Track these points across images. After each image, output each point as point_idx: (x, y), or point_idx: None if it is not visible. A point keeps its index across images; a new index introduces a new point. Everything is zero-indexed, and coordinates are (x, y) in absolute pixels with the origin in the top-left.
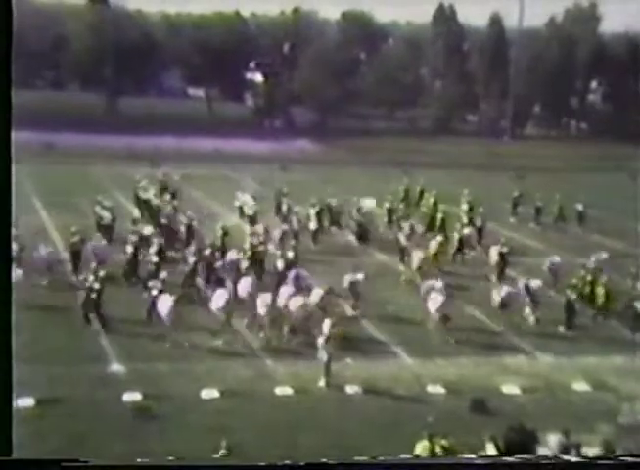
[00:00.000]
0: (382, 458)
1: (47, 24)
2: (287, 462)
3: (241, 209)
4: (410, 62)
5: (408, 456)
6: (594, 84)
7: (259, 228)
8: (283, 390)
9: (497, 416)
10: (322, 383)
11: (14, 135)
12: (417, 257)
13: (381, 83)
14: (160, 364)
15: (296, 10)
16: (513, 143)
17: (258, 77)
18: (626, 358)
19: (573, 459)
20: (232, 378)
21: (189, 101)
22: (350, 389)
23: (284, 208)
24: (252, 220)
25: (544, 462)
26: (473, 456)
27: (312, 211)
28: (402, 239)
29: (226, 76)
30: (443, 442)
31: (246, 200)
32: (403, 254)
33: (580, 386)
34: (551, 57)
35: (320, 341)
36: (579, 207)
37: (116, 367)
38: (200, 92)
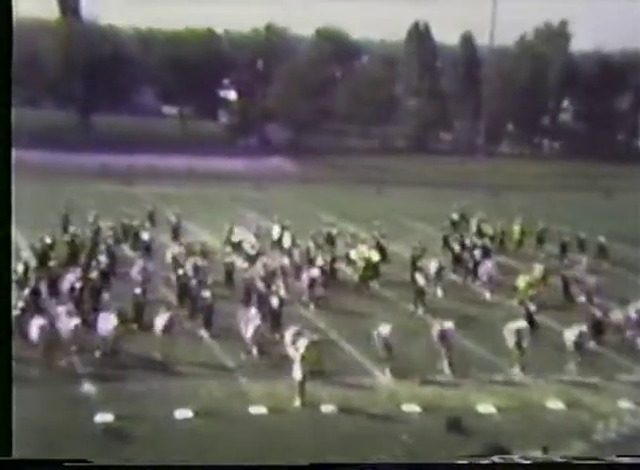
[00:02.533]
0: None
1: (18, 40)
2: (287, 463)
3: (238, 244)
4: (384, 79)
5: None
6: (565, 103)
7: (259, 267)
8: (257, 409)
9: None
10: (297, 403)
11: None
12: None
13: (355, 101)
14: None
15: (269, 27)
16: (486, 161)
17: (232, 95)
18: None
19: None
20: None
21: (163, 119)
22: (325, 408)
23: (285, 241)
24: (252, 259)
25: (544, 463)
26: (472, 457)
27: (312, 245)
28: (420, 280)
29: (200, 94)
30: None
31: (248, 238)
32: (420, 295)
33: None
34: (522, 75)
35: (295, 360)
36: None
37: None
38: (173, 110)
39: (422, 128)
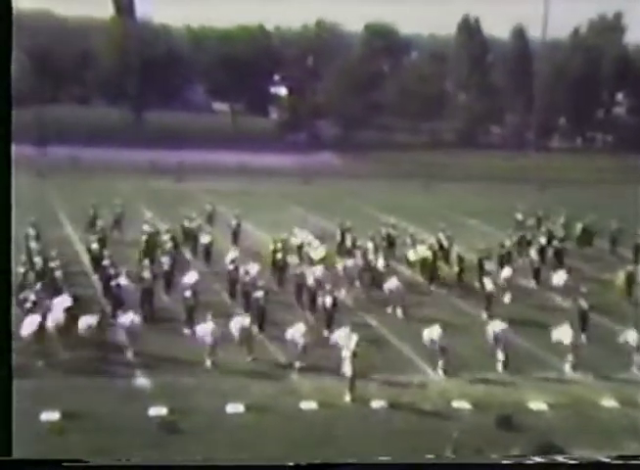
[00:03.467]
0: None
1: (73, 39)
2: (287, 463)
3: (299, 248)
4: (433, 74)
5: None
6: (620, 96)
7: (320, 271)
8: (308, 405)
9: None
10: (347, 398)
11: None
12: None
13: (404, 96)
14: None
15: (319, 23)
16: (537, 155)
17: (282, 91)
18: None
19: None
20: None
21: (213, 115)
22: (376, 404)
23: (347, 242)
24: (313, 263)
25: (544, 463)
26: (472, 457)
27: (370, 245)
28: (489, 285)
29: (250, 90)
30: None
31: (309, 240)
32: (489, 301)
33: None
34: (575, 68)
35: (346, 356)
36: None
37: None
38: (224, 106)
39: (472, 123)
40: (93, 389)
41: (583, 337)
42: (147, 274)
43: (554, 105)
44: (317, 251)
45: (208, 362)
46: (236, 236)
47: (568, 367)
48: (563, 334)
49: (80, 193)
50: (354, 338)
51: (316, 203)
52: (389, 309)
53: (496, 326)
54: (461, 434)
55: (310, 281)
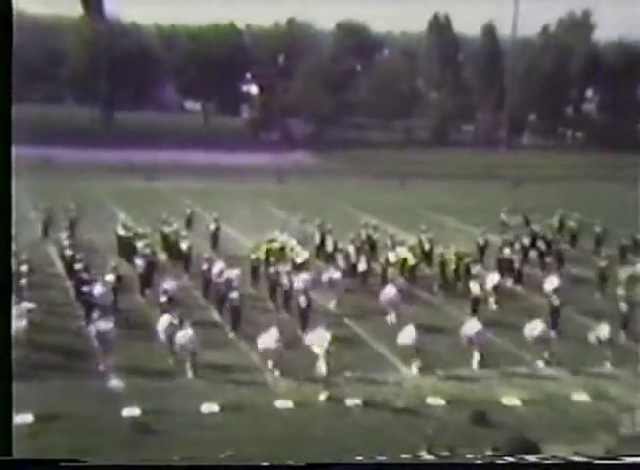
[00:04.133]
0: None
1: (43, 38)
2: (287, 463)
3: (280, 250)
4: (405, 72)
5: (408, 456)
6: (589, 93)
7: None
8: (283, 404)
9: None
10: (322, 397)
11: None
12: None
13: (376, 94)
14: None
15: (290, 21)
16: (509, 153)
17: (254, 89)
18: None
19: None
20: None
21: (185, 114)
22: (350, 402)
23: (328, 246)
24: (298, 268)
25: (544, 463)
26: (472, 457)
27: (352, 249)
28: (475, 288)
29: (222, 89)
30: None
31: (291, 244)
32: (476, 305)
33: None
34: (545, 66)
35: (320, 355)
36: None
37: None
38: (196, 105)
39: (444, 121)
40: (66, 391)
41: (553, 333)
42: (112, 278)
43: (525, 102)
44: (300, 255)
45: (186, 366)
46: (216, 241)
47: (541, 363)
48: (534, 329)
49: (51, 193)
50: (327, 337)
51: (290, 201)
52: (388, 318)
53: (472, 325)
54: (435, 431)
55: (296, 285)
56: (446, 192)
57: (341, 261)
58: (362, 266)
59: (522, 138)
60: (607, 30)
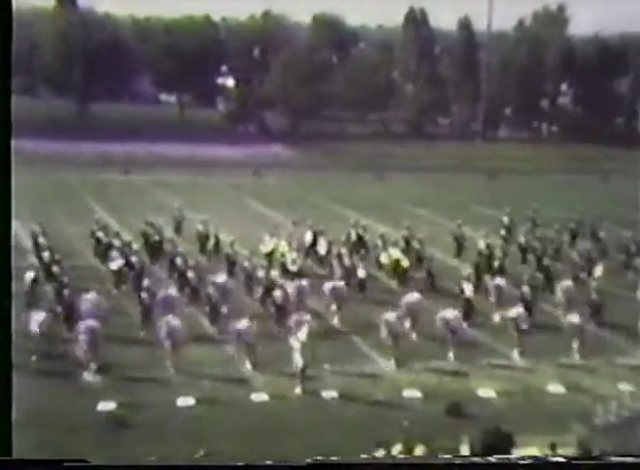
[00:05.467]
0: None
1: (16, 29)
2: (288, 462)
3: (270, 255)
4: (382, 65)
5: (408, 456)
6: (564, 87)
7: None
8: (259, 396)
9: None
10: (298, 390)
11: None
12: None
13: (353, 87)
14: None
15: (266, 14)
16: (485, 145)
17: (230, 82)
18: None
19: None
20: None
21: (160, 106)
22: (327, 394)
23: (320, 248)
24: (292, 275)
25: (548, 462)
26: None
27: (345, 251)
28: (467, 290)
29: (198, 81)
30: (419, 447)
31: (283, 250)
32: (469, 308)
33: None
34: (521, 60)
35: (296, 347)
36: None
37: None
38: (171, 98)
39: (420, 113)
40: (43, 386)
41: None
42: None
43: (500, 95)
44: (294, 261)
45: (167, 363)
46: (203, 245)
47: (515, 354)
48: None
49: (26, 186)
50: (304, 329)
51: (267, 194)
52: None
53: (447, 314)
54: (411, 423)
55: (290, 293)
56: (423, 184)
57: (338, 268)
58: (362, 273)
59: (497, 131)
60: (582, 24)
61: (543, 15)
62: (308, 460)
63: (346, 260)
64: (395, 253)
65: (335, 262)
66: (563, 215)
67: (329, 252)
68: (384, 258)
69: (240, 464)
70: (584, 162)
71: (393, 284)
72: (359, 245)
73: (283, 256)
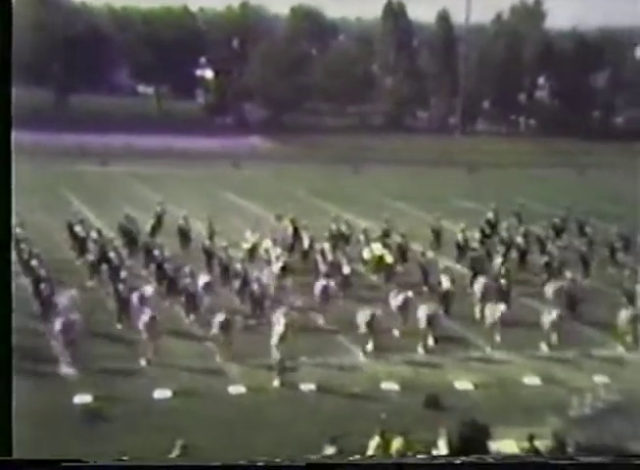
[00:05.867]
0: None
1: None
2: (287, 462)
3: (251, 251)
4: (360, 58)
5: (409, 456)
6: (541, 80)
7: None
8: (237, 389)
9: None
10: (276, 382)
11: None
12: None
13: (331, 79)
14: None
15: (244, 5)
16: (464, 139)
17: (209, 74)
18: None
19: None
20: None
21: (138, 98)
22: (305, 387)
23: (305, 243)
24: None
25: (552, 462)
26: (472, 456)
27: (327, 246)
28: (445, 282)
29: (176, 73)
30: (398, 439)
31: (266, 245)
32: (447, 302)
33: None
34: (498, 53)
35: (274, 340)
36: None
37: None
38: (149, 89)
39: (398, 106)
40: (19, 380)
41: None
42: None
43: (478, 89)
44: (278, 259)
45: (147, 355)
46: (181, 237)
47: (491, 347)
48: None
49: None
50: (282, 321)
51: (245, 186)
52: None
53: (428, 309)
54: (389, 415)
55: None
56: (402, 177)
57: (322, 265)
58: (346, 270)
59: (476, 124)
60: (559, 18)
61: (521, 8)
62: (308, 460)
63: (330, 256)
64: (378, 248)
65: (318, 258)
66: (542, 209)
67: (311, 247)
68: (366, 254)
69: (238, 463)
70: (561, 155)
71: (376, 279)
72: (341, 239)
73: (267, 252)
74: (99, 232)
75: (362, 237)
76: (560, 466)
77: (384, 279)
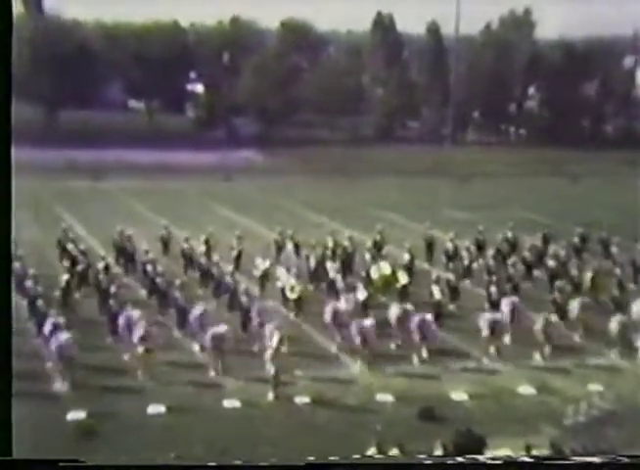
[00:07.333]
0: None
1: None
2: (287, 463)
3: (262, 279)
4: (351, 70)
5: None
6: (531, 90)
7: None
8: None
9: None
10: (271, 396)
11: None
12: None
13: (322, 92)
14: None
15: (234, 19)
16: (455, 149)
17: (199, 88)
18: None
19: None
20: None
21: (129, 113)
22: (300, 400)
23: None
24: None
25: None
26: (473, 457)
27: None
28: (436, 292)
29: (166, 88)
30: (394, 450)
31: (280, 274)
32: (439, 311)
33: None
34: (488, 64)
35: (268, 354)
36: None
37: None
38: (140, 104)
39: (389, 117)
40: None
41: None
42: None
43: (468, 99)
44: (293, 291)
45: (139, 368)
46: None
47: (487, 357)
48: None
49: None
50: (277, 335)
51: (238, 200)
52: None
53: (420, 318)
54: (384, 427)
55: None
56: (393, 188)
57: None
58: (362, 295)
59: (466, 135)
60: (548, 28)
61: (510, 19)
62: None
63: (339, 281)
64: (387, 267)
65: (328, 281)
66: (535, 218)
67: (316, 269)
68: (374, 273)
69: (240, 464)
70: (552, 164)
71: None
72: (346, 259)
73: (279, 279)
74: (90, 248)
75: (368, 255)
76: (553, 466)
77: (398, 300)
